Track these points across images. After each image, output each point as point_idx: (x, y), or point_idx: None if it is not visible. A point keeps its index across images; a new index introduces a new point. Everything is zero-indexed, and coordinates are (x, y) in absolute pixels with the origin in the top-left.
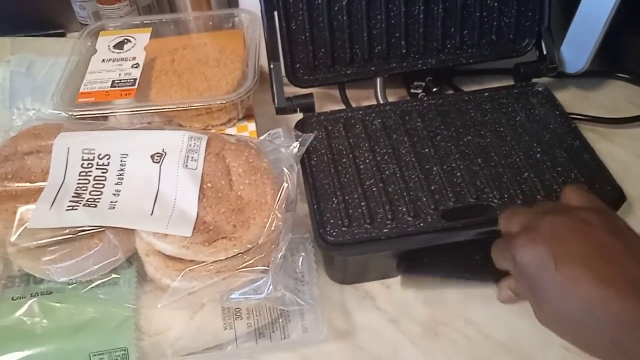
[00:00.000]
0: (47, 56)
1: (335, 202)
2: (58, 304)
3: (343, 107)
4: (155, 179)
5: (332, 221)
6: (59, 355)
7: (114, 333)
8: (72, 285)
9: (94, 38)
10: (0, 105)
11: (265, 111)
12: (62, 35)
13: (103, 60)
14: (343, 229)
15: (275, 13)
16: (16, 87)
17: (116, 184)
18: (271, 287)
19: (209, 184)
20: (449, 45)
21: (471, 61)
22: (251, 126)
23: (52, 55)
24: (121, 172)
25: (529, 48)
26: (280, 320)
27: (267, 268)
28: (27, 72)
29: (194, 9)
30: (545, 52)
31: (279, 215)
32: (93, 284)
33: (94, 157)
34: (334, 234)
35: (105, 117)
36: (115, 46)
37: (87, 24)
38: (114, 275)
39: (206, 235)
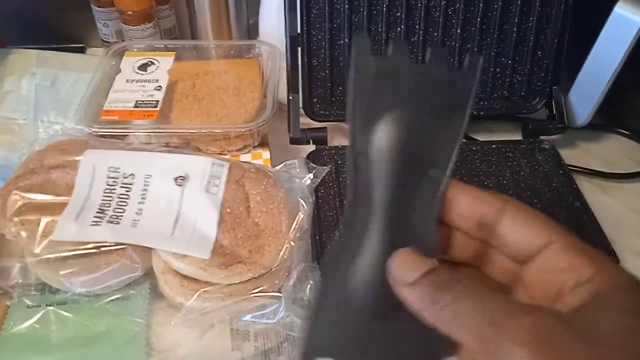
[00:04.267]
0: (71, 71)
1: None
2: (72, 315)
3: None
4: (177, 201)
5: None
6: None
7: (125, 347)
8: (87, 298)
9: (118, 57)
10: (24, 117)
11: (278, 139)
12: (82, 50)
13: (127, 80)
14: None
15: (299, 49)
16: (40, 100)
17: (139, 203)
18: (283, 312)
19: (228, 210)
20: None
21: (482, 113)
22: (265, 154)
23: (76, 70)
24: (144, 192)
25: (539, 106)
26: (285, 345)
27: (279, 294)
28: (51, 86)
29: (215, 37)
30: (555, 112)
31: (293, 244)
32: (107, 298)
33: (119, 175)
34: None
35: (124, 136)
36: (139, 67)
37: (108, 41)
38: (130, 291)
39: (223, 259)
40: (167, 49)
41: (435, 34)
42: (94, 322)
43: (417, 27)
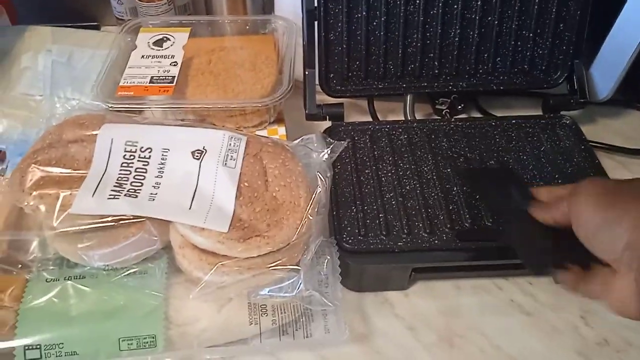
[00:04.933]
0: (86, 48)
1: (354, 210)
2: (90, 289)
3: (369, 118)
4: (195, 175)
5: (349, 229)
6: (91, 337)
7: (143, 320)
8: (105, 272)
9: (133, 34)
10: (40, 93)
11: (293, 116)
12: (97, 28)
13: (142, 56)
14: (359, 237)
15: (316, 23)
16: (57, 77)
17: (156, 176)
18: (302, 286)
19: (245, 183)
20: (480, 71)
21: (501, 88)
22: (281, 130)
23: (91, 47)
24: (162, 166)
25: (560, 81)
26: (302, 319)
27: (297, 267)
28: (67, 63)
29: (230, 13)
30: (576, 86)
31: (311, 218)
32: (125, 272)
33: (136, 149)
34: (350, 241)
35: (140, 111)
36: (154, 43)
37: (122, 19)
38: (148, 265)
39: (241, 232)
40: (182, 25)
41: (455, 6)
42: (112, 296)
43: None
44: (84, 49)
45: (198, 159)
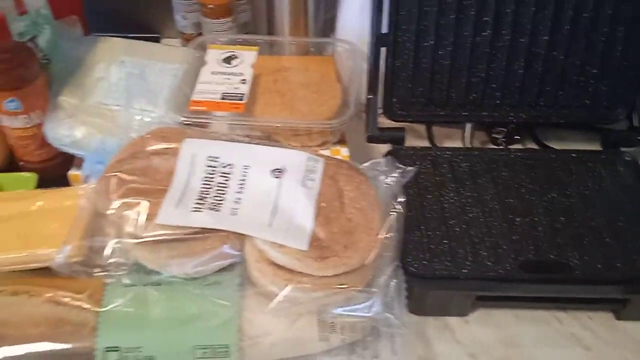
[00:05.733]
0: (156, 61)
1: (418, 235)
2: (166, 296)
3: (425, 142)
4: (274, 193)
5: (414, 253)
6: (167, 343)
7: (218, 330)
8: (180, 281)
9: (201, 49)
10: (115, 103)
11: (352, 137)
12: (157, 40)
13: (212, 72)
14: (424, 262)
15: (383, 49)
16: (131, 89)
17: (237, 192)
18: (378, 307)
19: (323, 204)
20: (542, 103)
21: (562, 121)
22: (344, 151)
23: (161, 60)
24: (242, 182)
25: (621, 117)
26: (369, 338)
27: (370, 289)
28: (140, 75)
29: (292, 33)
30: (636, 123)
31: (385, 242)
32: (200, 282)
33: (217, 164)
34: (416, 265)
35: (204, 126)
36: (224, 60)
37: (184, 33)
38: (222, 277)
39: (319, 252)
40: (246, 43)
41: (522, 39)
42: (188, 305)
43: (504, 31)
44: (154, 62)
45: (278, 178)
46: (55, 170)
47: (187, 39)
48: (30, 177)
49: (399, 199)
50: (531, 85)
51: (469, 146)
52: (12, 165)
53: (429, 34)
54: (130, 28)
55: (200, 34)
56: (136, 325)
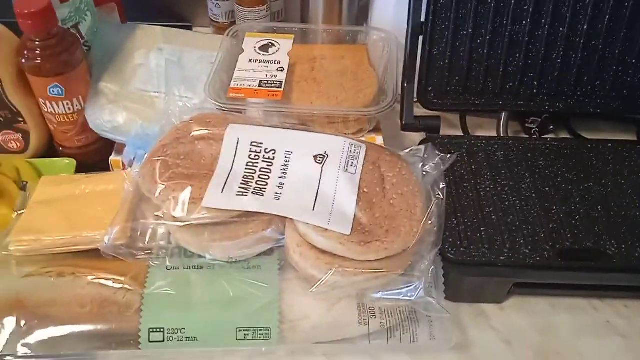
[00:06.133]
0: (194, 49)
1: (455, 222)
2: (208, 279)
3: (457, 132)
4: (317, 178)
5: (450, 240)
6: (210, 325)
7: (259, 313)
8: (222, 264)
9: (236, 37)
10: (155, 89)
11: (386, 125)
12: (189, 28)
13: (250, 60)
14: (461, 249)
15: (420, 37)
16: (170, 75)
17: (280, 177)
18: (422, 292)
19: (365, 190)
20: (579, 93)
21: (598, 111)
22: (379, 139)
23: (199, 48)
24: (285, 167)
25: None
26: (406, 323)
27: (409, 274)
28: (178, 62)
29: (325, 22)
30: None
31: (427, 228)
32: (241, 266)
33: (261, 150)
34: (453, 252)
35: (242, 113)
36: (260, 48)
37: (217, 22)
38: (262, 261)
39: (362, 236)
40: (281, 31)
41: (561, 29)
42: (230, 287)
43: (542, 21)
44: (191, 50)
45: (320, 163)
46: (93, 156)
47: (219, 28)
48: (69, 163)
49: (440, 186)
50: (568, 75)
51: (504, 135)
52: (51, 150)
53: (467, 22)
54: (162, 17)
55: (232, 23)
56: (179, 307)
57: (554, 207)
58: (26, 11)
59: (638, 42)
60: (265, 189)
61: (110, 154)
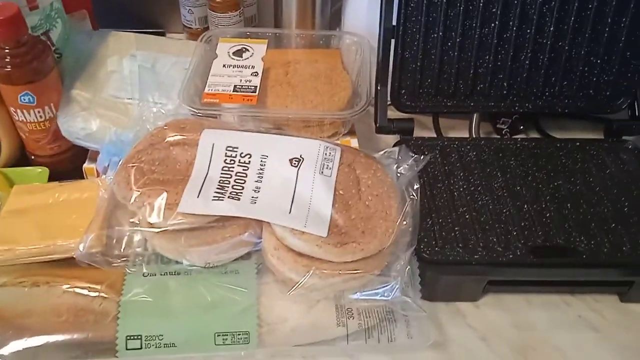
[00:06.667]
0: (168, 54)
1: (430, 222)
2: (185, 285)
3: (430, 133)
4: (293, 181)
5: (425, 240)
6: (188, 331)
7: (237, 317)
8: (199, 269)
9: (210, 43)
10: (128, 96)
11: (360, 128)
12: (162, 34)
13: (224, 65)
14: (436, 248)
15: (392, 41)
16: (144, 82)
17: (256, 181)
18: (398, 292)
19: (340, 192)
20: (547, 93)
21: (566, 110)
22: (354, 142)
23: (172, 54)
24: (261, 171)
25: (623, 106)
26: (384, 323)
27: (386, 274)
28: (152, 68)
29: (298, 27)
30: (638, 112)
31: (402, 228)
32: (218, 271)
33: (236, 154)
34: (428, 251)
35: (216, 118)
36: (234, 53)
37: (190, 27)
38: (239, 265)
39: (338, 238)
40: (254, 36)
41: (529, 30)
42: (207, 293)
43: (510, 23)
44: (164, 56)
45: (296, 167)
46: (66, 164)
47: (192, 34)
48: (42, 172)
49: (415, 186)
50: (537, 76)
51: (476, 136)
52: (22, 159)
53: (437, 25)
54: (134, 23)
55: (206, 29)
56: (157, 314)
57: (526, 206)
58: None
59: (602, 43)
60: (241, 193)
61: (83, 162)
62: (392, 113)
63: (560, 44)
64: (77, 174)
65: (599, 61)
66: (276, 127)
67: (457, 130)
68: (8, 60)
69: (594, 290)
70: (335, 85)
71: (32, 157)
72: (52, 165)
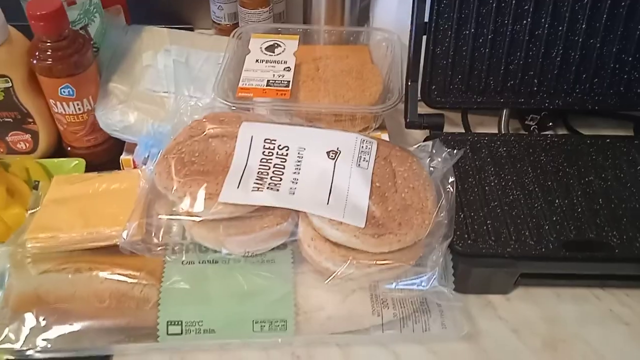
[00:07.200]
0: (200, 49)
1: (462, 216)
2: (224, 273)
3: (459, 129)
4: (330, 173)
5: (458, 233)
6: (227, 317)
7: (275, 305)
8: (236, 258)
9: (241, 39)
10: (164, 89)
11: (390, 123)
12: (191, 30)
13: (257, 60)
14: (469, 241)
15: (424, 37)
16: (179, 76)
17: (294, 172)
18: (435, 282)
19: (377, 184)
20: (577, 90)
21: (596, 108)
22: (384, 136)
23: (205, 49)
24: (299, 163)
25: None
26: (418, 314)
27: (421, 265)
28: (185, 63)
29: (327, 23)
30: None
31: (438, 220)
32: (255, 260)
33: (274, 146)
34: (461, 244)
35: (249, 111)
36: (267, 48)
37: (219, 23)
38: (276, 254)
39: (376, 229)
40: (285, 32)
41: (560, 28)
42: (245, 281)
43: (542, 20)
44: (197, 51)
45: (333, 159)
46: (102, 156)
47: (221, 30)
48: (79, 163)
49: (450, 179)
50: (567, 73)
51: (505, 132)
52: (59, 151)
53: (469, 22)
54: (164, 19)
55: (235, 25)
56: (196, 301)
57: (557, 201)
58: (38, 13)
59: (634, 41)
60: (280, 184)
61: (118, 154)
62: (421, 109)
63: (591, 41)
64: (112, 166)
65: (630, 59)
66: (308, 121)
67: (485, 127)
68: (50, 53)
69: (625, 284)
70: (366, 80)
71: (69, 149)
72: (88, 157)
